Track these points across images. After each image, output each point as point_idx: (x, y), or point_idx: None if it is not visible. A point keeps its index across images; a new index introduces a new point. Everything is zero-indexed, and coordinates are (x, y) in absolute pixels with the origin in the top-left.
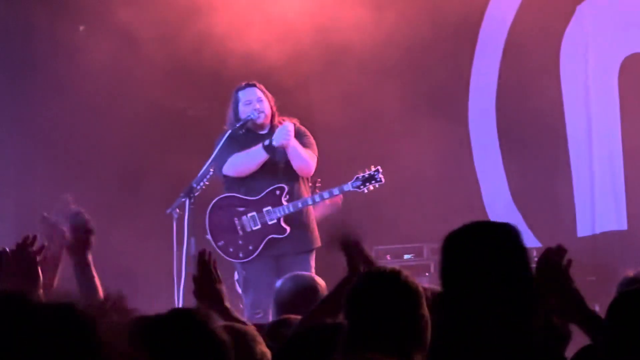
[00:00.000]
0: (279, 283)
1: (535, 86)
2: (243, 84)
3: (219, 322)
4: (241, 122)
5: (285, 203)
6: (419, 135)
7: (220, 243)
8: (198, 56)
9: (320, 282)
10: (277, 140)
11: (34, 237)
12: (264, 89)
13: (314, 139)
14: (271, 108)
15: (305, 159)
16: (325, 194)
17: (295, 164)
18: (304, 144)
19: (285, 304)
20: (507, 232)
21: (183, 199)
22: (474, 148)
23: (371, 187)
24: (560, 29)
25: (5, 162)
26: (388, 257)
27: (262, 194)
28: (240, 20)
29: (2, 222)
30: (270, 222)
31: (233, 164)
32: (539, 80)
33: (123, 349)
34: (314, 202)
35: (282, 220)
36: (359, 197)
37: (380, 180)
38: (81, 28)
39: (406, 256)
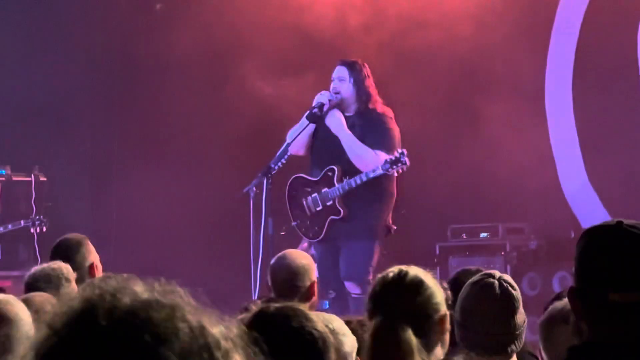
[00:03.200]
0: (272, 261)
1: (611, 69)
2: (340, 60)
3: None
4: (312, 108)
5: (336, 184)
6: (495, 116)
7: (295, 223)
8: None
9: (301, 260)
10: (328, 122)
11: None
12: (359, 68)
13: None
14: (358, 91)
15: (357, 155)
16: (363, 177)
17: (349, 157)
18: (372, 139)
19: (271, 281)
20: None
21: (261, 179)
22: (550, 129)
23: (400, 170)
24: (638, 13)
25: (81, 141)
26: (464, 235)
27: (320, 175)
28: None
29: (80, 200)
30: (328, 204)
31: (290, 139)
32: (616, 63)
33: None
34: (357, 184)
35: (337, 201)
36: (437, 176)
37: (405, 163)
38: (158, 6)
39: (482, 235)
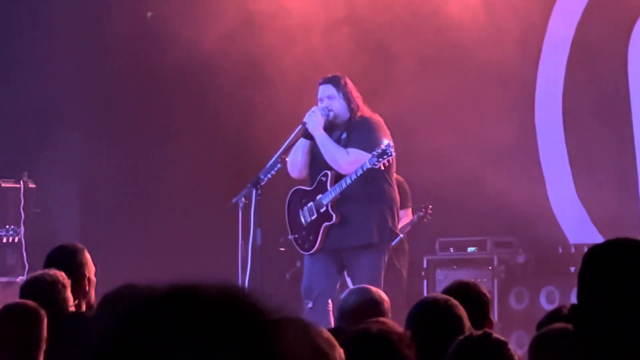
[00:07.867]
0: (344, 294)
1: (602, 84)
2: (322, 78)
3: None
4: (304, 124)
5: (329, 188)
6: (484, 129)
7: (293, 237)
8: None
9: (385, 297)
10: (306, 119)
11: None
12: (344, 82)
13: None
14: (349, 104)
15: (330, 154)
16: (353, 175)
17: (323, 155)
18: (355, 140)
19: (348, 315)
20: None
21: (250, 189)
22: (539, 143)
23: (385, 162)
24: (629, 27)
25: (70, 148)
26: (451, 249)
27: (315, 183)
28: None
29: (69, 207)
30: (322, 210)
31: (288, 164)
32: (606, 78)
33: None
34: (348, 184)
35: (329, 206)
36: (425, 189)
37: (391, 154)
38: (149, 14)
39: (470, 249)
